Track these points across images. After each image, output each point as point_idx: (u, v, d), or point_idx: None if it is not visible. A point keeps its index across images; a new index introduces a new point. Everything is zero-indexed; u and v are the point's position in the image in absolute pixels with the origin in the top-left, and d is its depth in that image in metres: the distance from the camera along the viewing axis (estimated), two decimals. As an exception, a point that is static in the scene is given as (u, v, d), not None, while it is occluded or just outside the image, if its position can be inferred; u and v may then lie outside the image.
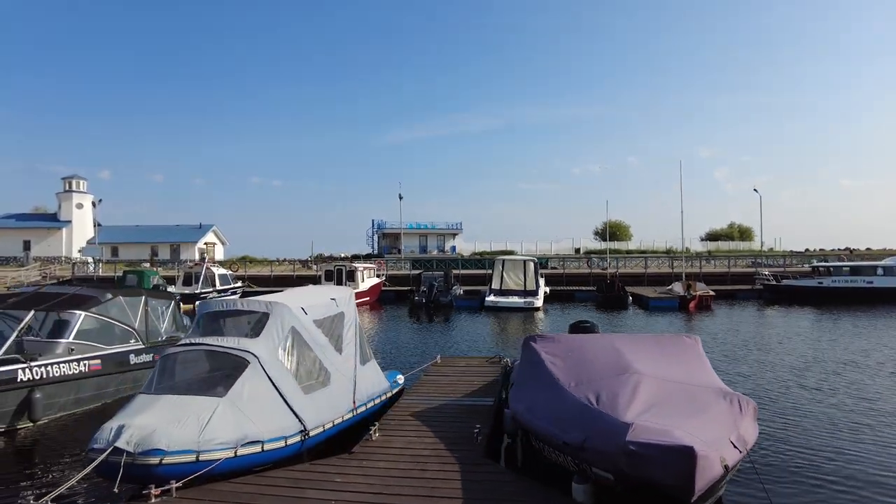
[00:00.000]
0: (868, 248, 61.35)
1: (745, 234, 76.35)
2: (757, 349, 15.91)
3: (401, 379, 10.02)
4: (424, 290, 28.62)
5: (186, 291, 28.48)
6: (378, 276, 34.84)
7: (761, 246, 54.08)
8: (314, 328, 7.45)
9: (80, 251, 54.10)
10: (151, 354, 10.90)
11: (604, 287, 29.98)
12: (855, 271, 30.13)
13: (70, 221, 56.43)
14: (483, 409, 7.58)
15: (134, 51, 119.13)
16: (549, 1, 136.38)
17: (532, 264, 28.65)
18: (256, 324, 6.85)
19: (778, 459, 6.86)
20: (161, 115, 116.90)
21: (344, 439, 7.18)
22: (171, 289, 27.67)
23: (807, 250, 62.85)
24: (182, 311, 13.56)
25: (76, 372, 9.13)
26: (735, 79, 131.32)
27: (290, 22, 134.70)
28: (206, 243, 61.31)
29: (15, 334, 8.92)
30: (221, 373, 6.22)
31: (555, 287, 33.46)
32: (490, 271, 39.15)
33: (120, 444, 5.05)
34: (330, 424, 6.87)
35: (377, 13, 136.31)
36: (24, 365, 8.32)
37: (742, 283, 35.60)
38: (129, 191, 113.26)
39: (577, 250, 66.44)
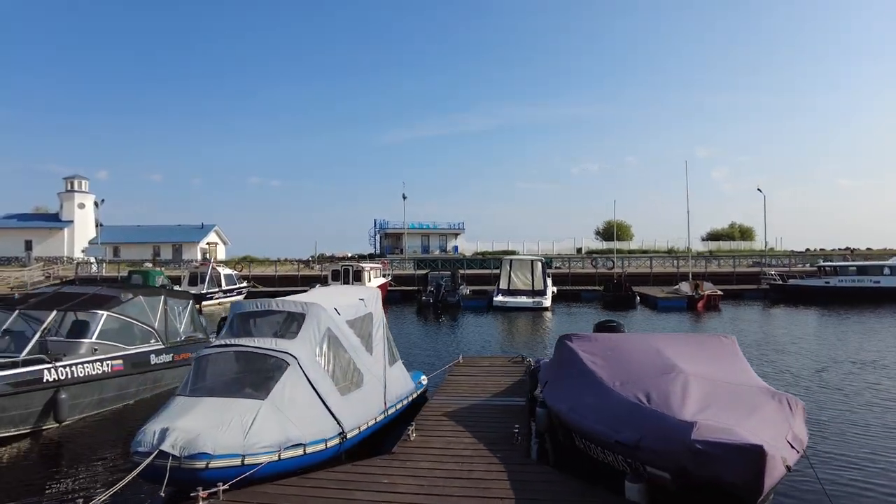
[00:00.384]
0: (868, 248, 61.46)
1: (745, 233, 76.45)
2: (771, 350, 15.90)
3: (424, 380, 9.99)
4: (432, 290, 28.57)
5: (192, 291, 28.34)
6: (384, 276, 34.80)
7: (765, 246, 54.13)
8: (347, 329, 7.41)
9: (83, 251, 53.88)
10: (171, 355, 10.85)
11: (611, 287, 29.98)
12: (862, 271, 30.17)
13: (72, 221, 56.23)
14: (515, 409, 7.55)
15: (133, 51, 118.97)
16: (548, 1, 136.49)
17: (540, 264, 28.63)
18: (293, 325, 6.81)
19: (821, 459, 6.80)
20: (159, 115, 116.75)
21: (376, 440, 7.16)
22: (175, 289, 27.59)
23: (807, 250, 62.98)
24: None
25: (100, 372, 9.07)
26: (733, 79, 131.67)
27: (289, 22, 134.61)
28: (208, 243, 61.15)
29: (38, 334, 8.86)
30: (260, 374, 6.16)
31: (560, 287, 33.41)
32: (494, 271, 39.45)
33: (165, 447, 5.00)
34: (365, 426, 6.83)
35: (376, 13, 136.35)
36: (50, 365, 8.25)
37: (747, 282, 35.64)
38: (127, 191, 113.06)
39: (579, 250, 66.44)
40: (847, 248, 60.62)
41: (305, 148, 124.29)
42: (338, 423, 6.22)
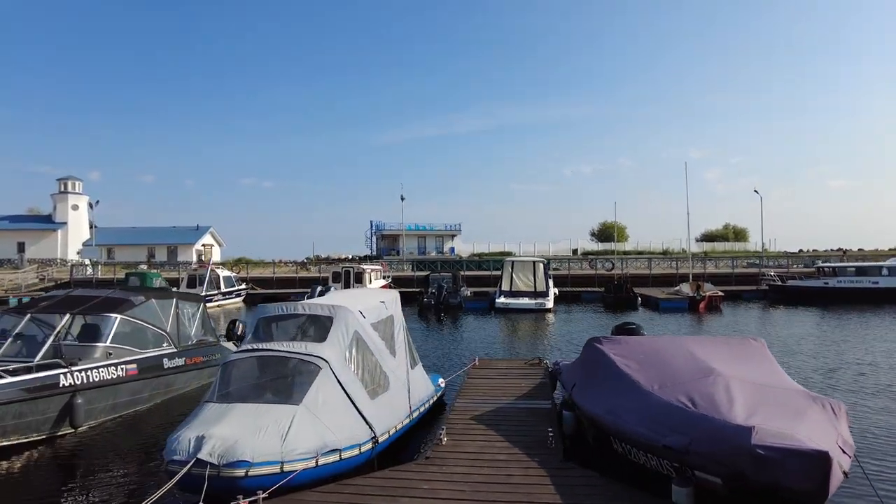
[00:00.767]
0: (860, 249, 62.07)
1: (739, 235, 76.96)
2: (778, 351, 15.83)
3: (442, 382, 9.93)
4: (433, 291, 28.46)
5: (192, 294, 28.13)
6: (384, 277, 34.66)
7: (762, 247, 54.56)
8: (372, 332, 7.34)
9: (78, 253, 53.33)
10: (183, 358, 10.71)
11: (612, 288, 30.00)
12: (860, 272, 30.42)
13: (65, 223, 55.58)
14: (542, 412, 7.49)
15: (127, 51, 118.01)
16: (542, 1, 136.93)
17: (542, 265, 28.62)
18: (320, 328, 6.71)
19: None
20: (152, 115, 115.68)
21: (402, 444, 7.08)
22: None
23: (800, 251, 63.52)
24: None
25: (114, 377, 8.92)
26: (726, 80, 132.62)
27: (287, 22, 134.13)
28: (203, 245, 60.72)
29: (52, 338, 8.70)
30: (292, 379, 6.07)
31: (560, 288, 33.37)
32: (492, 272, 39.46)
33: (202, 455, 4.89)
34: (393, 430, 6.76)
35: (370, 13, 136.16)
36: (66, 370, 8.10)
37: (745, 283, 35.83)
38: (119, 192, 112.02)
39: (575, 251, 66.60)
40: (839, 249, 61.16)
41: (299, 149, 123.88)
42: (370, 427, 6.14)
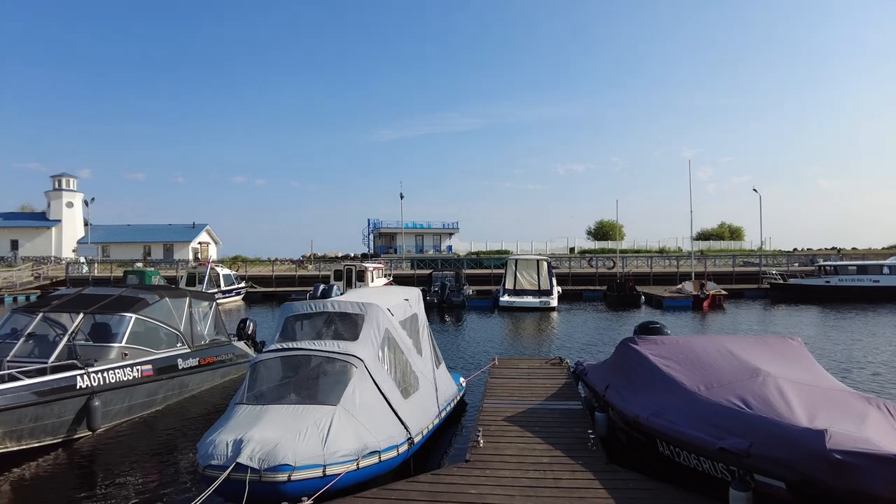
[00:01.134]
0: (854, 248, 62.52)
1: (735, 233, 77.26)
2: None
3: (463, 382, 9.78)
4: (436, 290, 28.29)
5: (192, 292, 27.80)
6: (385, 276, 34.43)
7: (760, 245, 54.74)
8: (401, 330, 7.17)
9: (74, 251, 52.69)
10: (197, 359, 10.49)
11: (615, 287, 29.94)
12: (861, 270, 30.57)
13: (59, 220, 54.96)
14: (574, 413, 7.36)
15: (121, 47, 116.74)
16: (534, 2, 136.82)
17: (546, 264, 28.52)
18: (351, 326, 6.54)
19: None
20: (142, 112, 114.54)
21: (430, 445, 6.92)
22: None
23: (795, 250, 63.87)
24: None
25: (130, 378, 8.70)
26: (715, 80, 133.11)
27: (277, 20, 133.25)
28: (199, 243, 60.21)
29: (66, 338, 8.47)
30: (327, 379, 5.90)
31: (561, 287, 33.32)
32: (492, 271, 39.32)
33: (242, 459, 4.71)
34: (425, 430, 6.59)
35: (361, 12, 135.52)
36: (83, 371, 7.88)
37: (745, 282, 35.92)
38: (111, 190, 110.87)
39: (572, 250, 66.59)
40: (834, 248, 61.55)
41: (289, 147, 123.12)
42: (405, 427, 5.99)
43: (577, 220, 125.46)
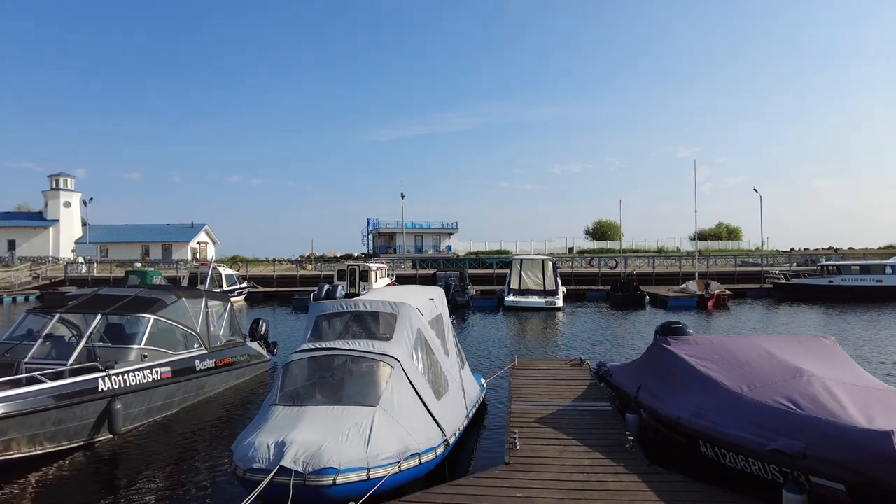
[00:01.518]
0: (851, 248, 62.85)
1: (732, 233, 77.51)
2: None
3: (484, 382, 9.68)
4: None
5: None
6: (388, 276, 34.32)
7: (762, 245, 54.97)
8: (430, 330, 7.09)
9: (73, 251, 52.30)
10: (213, 360, 10.37)
11: (619, 287, 29.93)
12: (864, 270, 30.70)
13: (57, 220, 54.49)
14: (605, 414, 7.29)
15: (113, 46, 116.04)
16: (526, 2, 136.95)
17: (551, 264, 28.50)
18: (385, 326, 6.46)
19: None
20: (138, 111, 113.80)
21: (459, 448, 6.83)
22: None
23: (792, 250, 64.15)
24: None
25: (150, 380, 8.57)
26: (711, 80, 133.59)
27: (275, 20, 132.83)
28: (198, 243, 59.89)
29: (85, 339, 8.34)
30: (364, 379, 5.80)
31: (565, 286, 33.27)
32: (494, 271, 39.25)
33: (286, 462, 4.61)
34: (457, 431, 6.51)
35: (357, 12, 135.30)
36: (104, 373, 7.74)
37: (747, 281, 36.00)
38: (106, 190, 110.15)
39: (571, 249, 66.63)
40: (831, 248, 61.85)
41: (284, 147, 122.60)
42: (440, 429, 5.90)
43: (575, 221, 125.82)
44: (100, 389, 7.61)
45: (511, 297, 26.82)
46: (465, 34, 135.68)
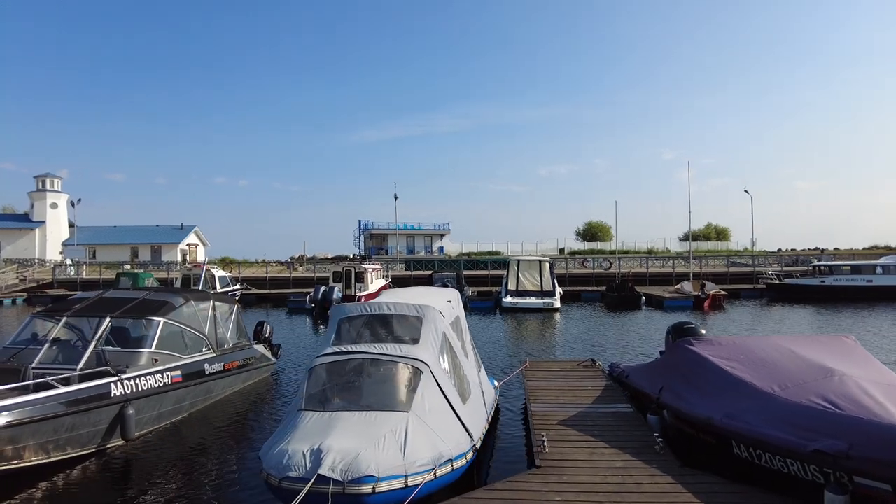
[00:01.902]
0: (836, 249, 63.81)
1: (721, 234, 78.33)
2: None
3: (497, 385, 9.63)
4: (438, 291, 28.09)
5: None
6: (384, 277, 34.15)
7: (753, 245, 55.56)
8: (452, 332, 7.02)
9: (61, 253, 51.42)
10: (222, 363, 10.21)
11: (615, 287, 30.06)
12: (855, 270, 31.16)
13: (44, 221, 53.55)
14: (628, 416, 7.27)
15: (98, 45, 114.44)
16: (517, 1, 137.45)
17: (548, 265, 28.54)
18: (410, 329, 6.37)
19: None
20: (123, 111, 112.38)
21: (482, 452, 6.77)
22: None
23: (779, 250, 65.00)
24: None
25: (161, 384, 8.40)
26: (696, 83, 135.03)
27: (263, 19, 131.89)
28: (188, 244, 59.19)
29: (94, 343, 8.15)
30: (394, 384, 5.70)
31: (560, 287, 33.32)
32: (489, 272, 39.27)
33: (324, 471, 4.50)
34: (482, 435, 6.44)
35: (345, 11, 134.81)
36: (116, 378, 7.57)
37: (740, 282, 36.35)
38: (89, 191, 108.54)
39: (562, 251, 66.89)
40: (817, 249, 62.75)
41: (270, 147, 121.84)
42: (468, 433, 5.83)
43: (563, 222, 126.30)
44: (112, 395, 7.43)
45: (509, 299, 26.81)
46: (451, 35, 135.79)
